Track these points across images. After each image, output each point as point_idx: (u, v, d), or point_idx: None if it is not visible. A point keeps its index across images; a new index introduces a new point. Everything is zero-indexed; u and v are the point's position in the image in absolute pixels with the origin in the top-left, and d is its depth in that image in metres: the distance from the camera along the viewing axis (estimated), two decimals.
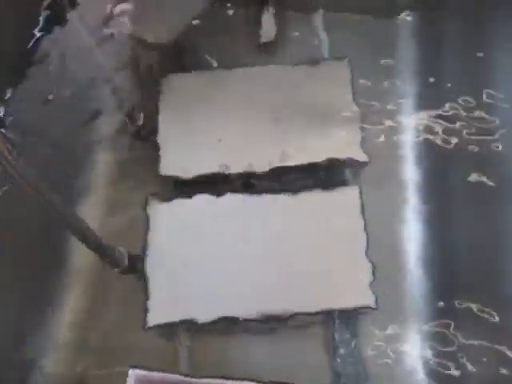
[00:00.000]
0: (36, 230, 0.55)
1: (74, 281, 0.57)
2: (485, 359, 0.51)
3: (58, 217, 0.38)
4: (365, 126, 0.60)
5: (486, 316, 0.52)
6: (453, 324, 0.52)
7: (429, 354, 0.52)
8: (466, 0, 0.65)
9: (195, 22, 0.62)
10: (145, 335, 0.53)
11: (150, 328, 0.52)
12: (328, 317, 0.53)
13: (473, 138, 0.60)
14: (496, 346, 0.51)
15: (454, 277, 0.55)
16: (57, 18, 0.44)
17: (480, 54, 0.63)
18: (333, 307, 0.51)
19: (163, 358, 0.54)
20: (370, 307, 0.51)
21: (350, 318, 0.53)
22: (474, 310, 0.52)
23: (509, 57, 0.63)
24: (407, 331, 0.53)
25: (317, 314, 0.51)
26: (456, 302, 0.53)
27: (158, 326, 0.52)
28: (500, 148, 0.59)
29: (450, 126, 0.61)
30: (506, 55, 0.63)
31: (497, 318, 0.52)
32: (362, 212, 0.55)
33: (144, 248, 0.54)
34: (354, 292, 0.51)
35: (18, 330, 0.54)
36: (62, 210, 0.38)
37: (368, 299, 0.51)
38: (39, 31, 0.43)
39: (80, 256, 0.56)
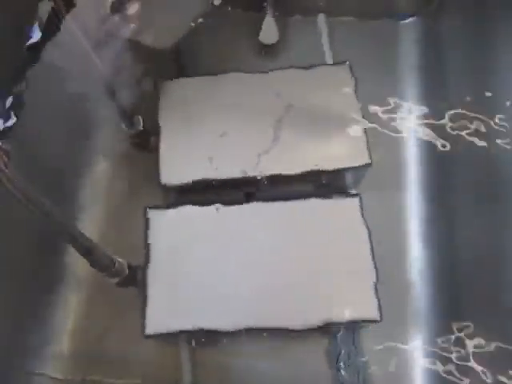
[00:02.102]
0: (35, 238, 0.55)
1: (74, 289, 0.57)
2: (486, 374, 0.50)
3: (56, 229, 0.38)
4: (367, 128, 0.59)
5: (489, 328, 0.52)
6: (456, 335, 0.52)
7: (431, 364, 0.52)
8: (467, 2, 0.64)
9: (195, 25, 0.61)
10: (145, 344, 0.52)
11: (149, 337, 0.51)
12: (331, 327, 0.52)
13: (476, 139, 0.59)
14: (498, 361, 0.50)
15: (459, 287, 0.54)
16: (53, 24, 0.43)
17: (481, 55, 0.63)
18: (337, 320, 0.50)
19: (165, 367, 0.53)
20: (375, 320, 0.50)
21: (352, 328, 0.52)
22: (478, 319, 0.52)
23: (510, 58, 0.62)
24: (410, 342, 0.53)
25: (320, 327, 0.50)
26: (460, 313, 0.53)
27: (158, 336, 0.51)
28: (503, 149, 0.58)
29: (452, 127, 0.60)
30: (508, 56, 0.62)
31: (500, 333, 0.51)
32: (365, 220, 0.54)
33: (145, 258, 0.53)
34: (358, 304, 0.51)
35: (17, 338, 0.53)
36: (60, 222, 0.37)
37: (372, 312, 0.50)
38: (35, 37, 0.42)
39: (80, 265, 0.56)
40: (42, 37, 0.45)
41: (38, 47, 0.45)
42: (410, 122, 0.62)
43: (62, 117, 0.57)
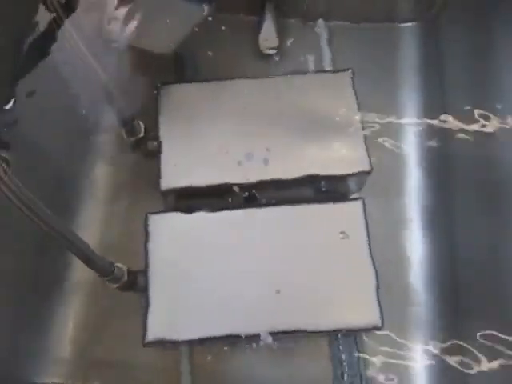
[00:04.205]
0: (34, 243, 0.55)
1: (75, 295, 0.57)
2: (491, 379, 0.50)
3: (56, 237, 0.38)
4: (368, 135, 0.59)
5: (492, 334, 0.51)
6: (459, 342, 0.52)
7: (433, 370, 0.51)
8: (467, 8, 0.64)
9: (195, 31, 0.61)
10: (146, 350, 0.52)
11: (149, 344, 0.51)
12: (332, 333, 0.52)
13: (477, 144, 0.59)
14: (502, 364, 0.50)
15: (461, 292, 0.54)
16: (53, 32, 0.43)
17: (482, 61, 0.63)
18: (338, 327, 0.50)
19: (164, 373, 0.53)
20: (377, 327, 0.50)
21: (354, 334, 0.52)
22: (480, 326, 0.52)
23: (511, 63, 0.62)
24: (412, 348, 0.53)
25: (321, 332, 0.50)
26: (463, 319, 0.52)
27: (157, 342, 0.51)
28: (504, 153, 0.58)
29: (454, 132, 0.60)
30: (508, 62, 0.62)
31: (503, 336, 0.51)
32: (366, 225, 0.54)
33: (145, 263, 0.53)
34: (359, 310, 0.50)
35: (17, 344, 0.53)
36: (60, 230, 0.37)
37: (374, 318, 0.50)
38: (34, 46, 0.43)
39: (80, 270, 0.56)
40: (41, 43, 0.45)
41: (37, 53, 0.45)
42: (411, 127, 0.62)
43: (61, 123, 0.57)
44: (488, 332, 0.50)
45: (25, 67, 0.42)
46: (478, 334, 0.51)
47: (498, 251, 0.55)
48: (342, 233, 0.54)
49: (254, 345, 0.52)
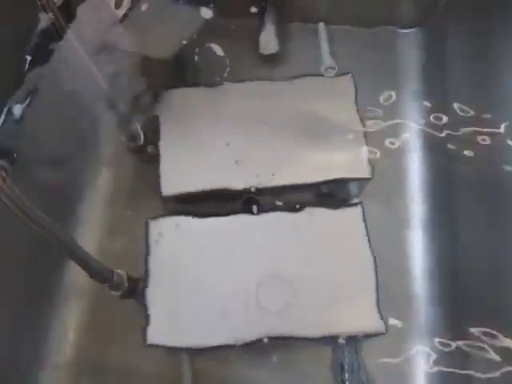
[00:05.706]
0: (36, 248, 0.55)
1: (75, 299, 0.56)
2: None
3: (56, 244, 0.38)
4: (368, 139, 0.59)
5: (493, 335, 0.51)
6: (460, 343, 0.51)
7: (436, 373, 0.51)
8: (468, 11, 0.64)
9: (195, 35, 0.61)
10: (146, 355, 0.52)
11: (149, 347, 0.50)
12: (333, 339, 0.52)
13: (479, 146, 0.59)
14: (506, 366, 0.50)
15: (462, 297, 0.54)
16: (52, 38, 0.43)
17: (483, 63, 0.62)
18: (339, 333, 0.50)
19: (165, 379, 0.53)
20: (378, 333, 0.50)
21: (356, 339, 0.52)
22: (481, 329, 0.51)
23: (511, 66, 0.62)
24: (414, 351, 0.52)
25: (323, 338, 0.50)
26: (464, 321, 0.52)
27: (158, 347, 0.51)
28: (505, 155, 0.58)
29: (455, 135, 0.60)
30: (510, 63, 0.62)
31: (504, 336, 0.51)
32: (367, 230, 0.54)
33: (145, 270, 0.53)
34: (360, 316, 0.50)
35: (16, 349, 0.53)
36: (59, 237, 0.37)
37: (374, 324, 0.49)
38: (34, 51, 0.43)
39: (80, 275, 0.55)
40: (41, 50, 0.45)
41: (37, 56, 0.45)
42: (412, 130, 0.62)
43: (62, 128, 0.57)
44: (489, 333, 0.50)
45: (24, 71, 0.42)
46: (480, 335, 0.51)
47: (499, 253, 0.54)
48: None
49: (255, 352, 0.51)
